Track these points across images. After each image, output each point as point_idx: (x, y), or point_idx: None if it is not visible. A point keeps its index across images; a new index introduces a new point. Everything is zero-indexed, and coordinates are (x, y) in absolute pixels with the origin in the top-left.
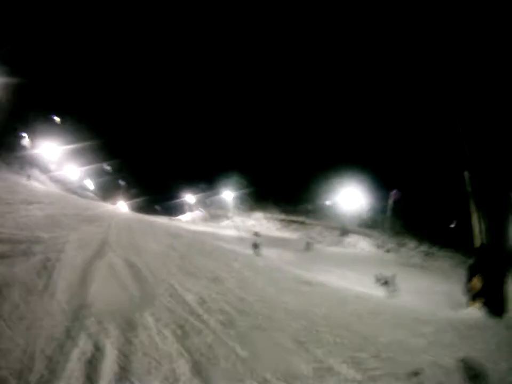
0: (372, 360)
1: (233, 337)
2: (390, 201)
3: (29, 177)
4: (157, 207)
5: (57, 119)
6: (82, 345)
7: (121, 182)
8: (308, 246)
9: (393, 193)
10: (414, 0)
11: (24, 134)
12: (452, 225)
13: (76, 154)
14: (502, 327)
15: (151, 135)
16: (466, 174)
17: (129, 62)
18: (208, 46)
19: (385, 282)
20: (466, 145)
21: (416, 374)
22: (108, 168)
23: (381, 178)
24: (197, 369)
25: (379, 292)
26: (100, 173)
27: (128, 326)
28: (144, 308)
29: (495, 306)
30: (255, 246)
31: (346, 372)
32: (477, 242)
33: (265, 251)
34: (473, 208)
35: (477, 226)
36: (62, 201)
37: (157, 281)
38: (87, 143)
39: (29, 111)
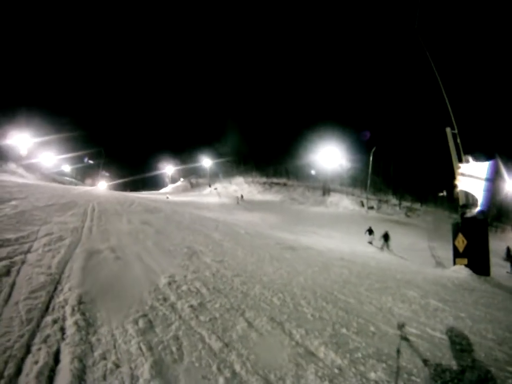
0: (354, 337)
1: (203, 324)
2: (371, 158)
3: None
4: (139, 184)
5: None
6: (39, 343)
7: (101, 163)
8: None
9: (364, 135)
10: None
11: None
12: (441, 194)
13: (53, 143)
14: (486, 289)
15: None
16: (448, 129)
17: (105, 52)
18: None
19: (371, 242)
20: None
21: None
22: (87, 156)
23: (361, 136)
24: (157, 369)
25: (366, 249)
26: (79, 158)
27: (88, 324)
28: (108, 300)
29: (478, 267)
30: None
31: (325, 356)
32: (461, 200)
33: (249, 215)
34: (456, 164)
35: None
36: (37, 193)
37: (131, 264)
38: (64, 134)
39: None
